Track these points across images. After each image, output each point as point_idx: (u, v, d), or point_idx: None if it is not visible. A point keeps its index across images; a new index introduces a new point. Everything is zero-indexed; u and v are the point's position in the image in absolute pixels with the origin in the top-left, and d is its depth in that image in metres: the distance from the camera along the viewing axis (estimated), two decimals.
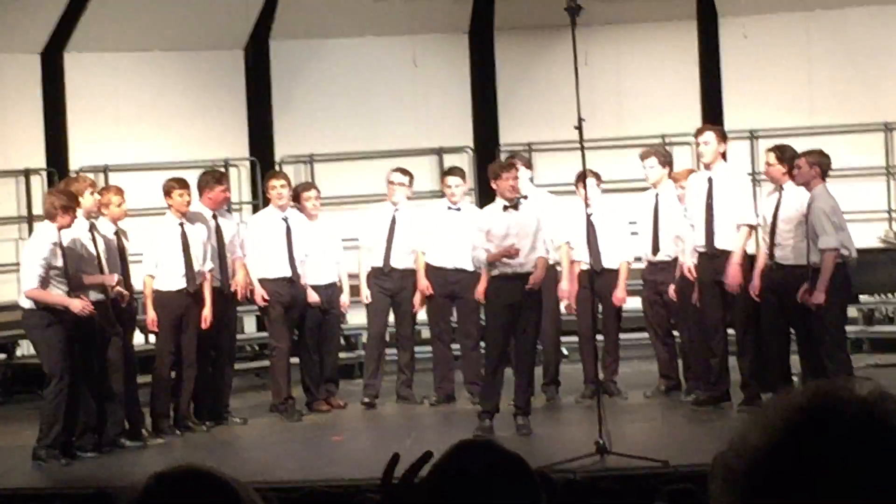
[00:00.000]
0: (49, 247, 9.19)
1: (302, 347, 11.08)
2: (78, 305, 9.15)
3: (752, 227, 10.05)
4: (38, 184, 13.70)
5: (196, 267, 10.30)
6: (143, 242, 10.54)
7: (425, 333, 12.04)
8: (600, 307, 10.61)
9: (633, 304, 11.17)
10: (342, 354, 12.12)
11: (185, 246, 10.31)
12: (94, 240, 9.67)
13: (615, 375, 11.08)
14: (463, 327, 11.22)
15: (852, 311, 11.81)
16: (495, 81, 14.74)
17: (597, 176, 10.84)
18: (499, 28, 14.70)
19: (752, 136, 13.99)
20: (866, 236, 12.67)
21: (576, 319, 10.89)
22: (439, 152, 14.42)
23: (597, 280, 9.97)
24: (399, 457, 2.22)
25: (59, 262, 9.23)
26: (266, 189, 11.40)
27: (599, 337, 10.35)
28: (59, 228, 9.24)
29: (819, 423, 1.41)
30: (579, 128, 8.70)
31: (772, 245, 9.86)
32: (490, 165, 10.22)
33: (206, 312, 10.31)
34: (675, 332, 10.92)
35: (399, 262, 11.24)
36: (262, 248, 10.85)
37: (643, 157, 11.01)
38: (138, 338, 10.85)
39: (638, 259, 11.04)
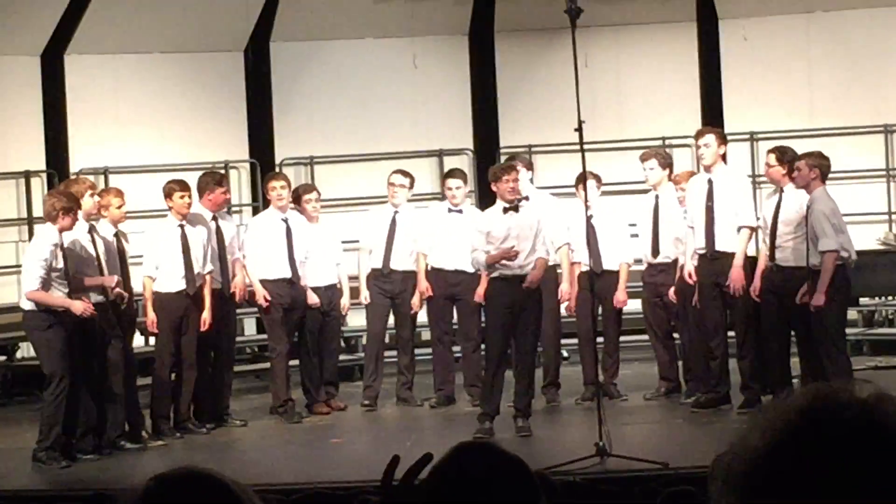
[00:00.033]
0: (50, 248, 9.19)
1: (302, 349, 11.07)
2: (79, 307, 9.15)
3: (753, 229, 10.06)
4: (39, 186, 13.67)
5: (196, 269, 10.29)
6: (143, 244, 10.53)
7: (426, 335, 12.04)
8: (600, 309, 10.62)
9: (634, 305, 11.16)
10: (342, 356, 12.10)
11: (185, 248, 10.30)
12: (93, 242, 9.66)
13: (615, 377, 11.07)
14: (463, 329, 11.21)
15: (852, 314, 11.80)
16: (495, 83, 14.73)
17: (597, 178, 10.85)
18: (499, 30, 14.69)
19: (753, 137, 13.98)
20: (866, 238, 12.67)
21: (576, 321, 10.89)
22: (439, 154, 14.41)
23: (597, 282, 9.96)
24: (399, 459, 2.22)
25: (60, 264, 9.22)
26: (266, 191, 11.39)
27: (599, 339, 10.35)
28: (60, 230, 9.24)
29: (819, 426, 1.42)
30: (579, 130, 8.71)
31: (772, 247, 9.85)
32: (490, 168, 10.23)
33: (206, 315, 10.30)
34: (676, 335, 10.93)
35: (399, 264, 11.23)
36: (262, 250, 10.84)
37: (643, 158, 11.01)
38: (138, 340, 10.86)
39: (638, 261, 11.02)
